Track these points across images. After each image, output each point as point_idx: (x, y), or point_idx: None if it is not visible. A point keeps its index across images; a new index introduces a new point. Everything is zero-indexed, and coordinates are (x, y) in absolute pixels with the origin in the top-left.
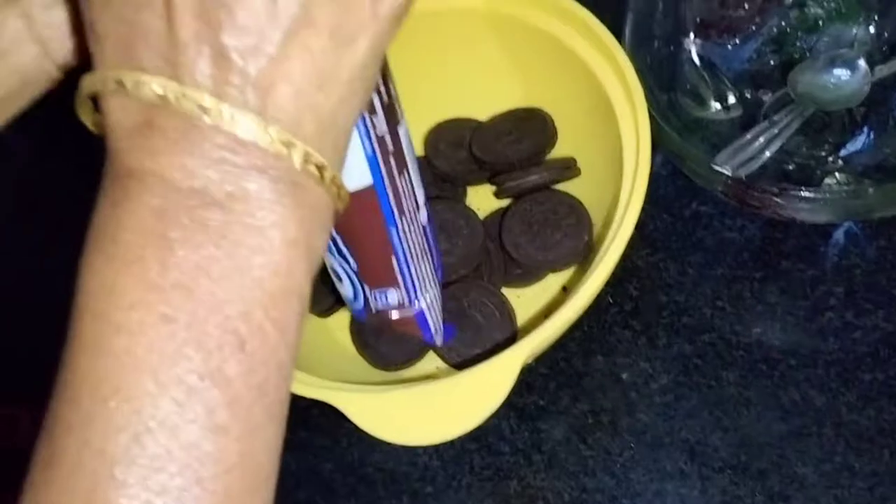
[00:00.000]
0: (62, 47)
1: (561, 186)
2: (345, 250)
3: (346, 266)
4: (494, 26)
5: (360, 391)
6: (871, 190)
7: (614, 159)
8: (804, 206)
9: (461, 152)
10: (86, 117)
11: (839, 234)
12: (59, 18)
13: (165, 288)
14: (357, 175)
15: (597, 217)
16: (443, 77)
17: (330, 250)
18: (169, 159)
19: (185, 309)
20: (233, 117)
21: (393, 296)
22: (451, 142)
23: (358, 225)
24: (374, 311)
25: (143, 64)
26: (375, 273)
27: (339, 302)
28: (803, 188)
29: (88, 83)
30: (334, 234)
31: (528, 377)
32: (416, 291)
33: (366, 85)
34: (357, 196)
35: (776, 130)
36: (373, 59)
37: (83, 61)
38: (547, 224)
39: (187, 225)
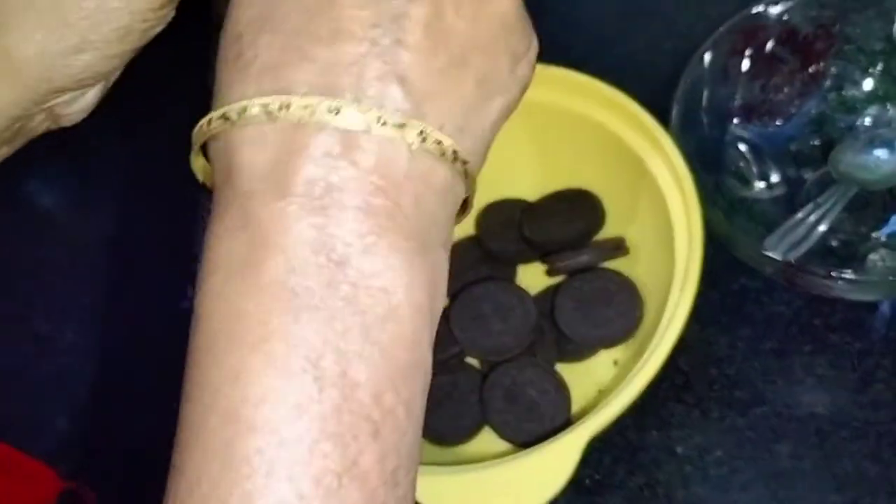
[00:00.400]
0: None
1: (610, 264)
2: None
3: None
4: (544, 112)
5: (429, 473)
6: None
7: (663, 239)
8: (851, 286)
9: (512, 232)
10: (197, 165)
11: (885, 308)
12: None
13: (296, 372)
14: None
15: (647, 293)
16: (494, 159)
17: None
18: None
19: (317, 397)
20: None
21: None
22: (502, 222)
23: None
24: None
25: (295, 87)
26: None
27: None
28: (850, 271)
29: (209, 126)
30: None
31: (584, 451)
32: None
33: (487, 148)
34: None
35: (821, 212)
36: (501, 120)
37: None
38: (598, 302)
39: (317, 291)
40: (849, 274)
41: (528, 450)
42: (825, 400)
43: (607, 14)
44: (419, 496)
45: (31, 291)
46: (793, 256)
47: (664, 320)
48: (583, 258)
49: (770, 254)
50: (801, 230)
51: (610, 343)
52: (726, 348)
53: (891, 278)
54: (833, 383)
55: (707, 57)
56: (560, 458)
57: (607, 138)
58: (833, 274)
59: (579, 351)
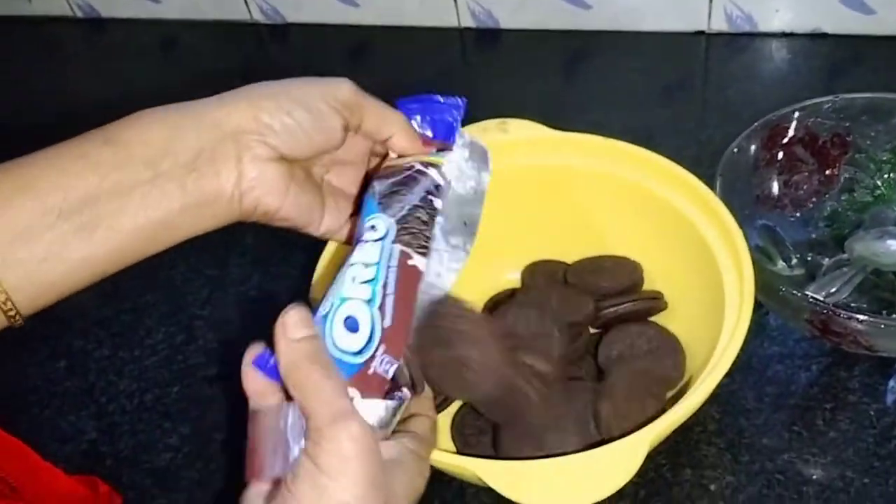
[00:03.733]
0: (254, 200)
1: (655, 320)
2: (390, 306)
3: (378, 318)
4: (583, 178)
5: (505, 463)
6: None
7: (709, 295)
8: (883, 335)
9: (556, 286)
10: None
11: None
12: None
13: None
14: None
15: (685, 346)
16: (535, 223)
17: (371, 300)
18: None
19: None
20: None
21: (393, 369)
22: (546, 276)
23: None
24: (369, 372)
25: None
26: (398, 341)
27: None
28: (886, 314)
29: None
30: (392, 287)
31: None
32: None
33: None
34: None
35: (845, 279)
36: None
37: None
38: (641, 353)
39: None
40: (886, 318)
41: (601, 447)
42: (848, 451)
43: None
44: (497, 486)
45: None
46: (832, 301)
47: (710, 364)
48: (625, 306)
49: (813, 295)
50: (837, 284)
51: (650, 397)
52: (754, 402)
53: None
54: (854, 437)
55: (740, 148)
56: (628, 455)
57: (649, 201)
58: (869, 318)
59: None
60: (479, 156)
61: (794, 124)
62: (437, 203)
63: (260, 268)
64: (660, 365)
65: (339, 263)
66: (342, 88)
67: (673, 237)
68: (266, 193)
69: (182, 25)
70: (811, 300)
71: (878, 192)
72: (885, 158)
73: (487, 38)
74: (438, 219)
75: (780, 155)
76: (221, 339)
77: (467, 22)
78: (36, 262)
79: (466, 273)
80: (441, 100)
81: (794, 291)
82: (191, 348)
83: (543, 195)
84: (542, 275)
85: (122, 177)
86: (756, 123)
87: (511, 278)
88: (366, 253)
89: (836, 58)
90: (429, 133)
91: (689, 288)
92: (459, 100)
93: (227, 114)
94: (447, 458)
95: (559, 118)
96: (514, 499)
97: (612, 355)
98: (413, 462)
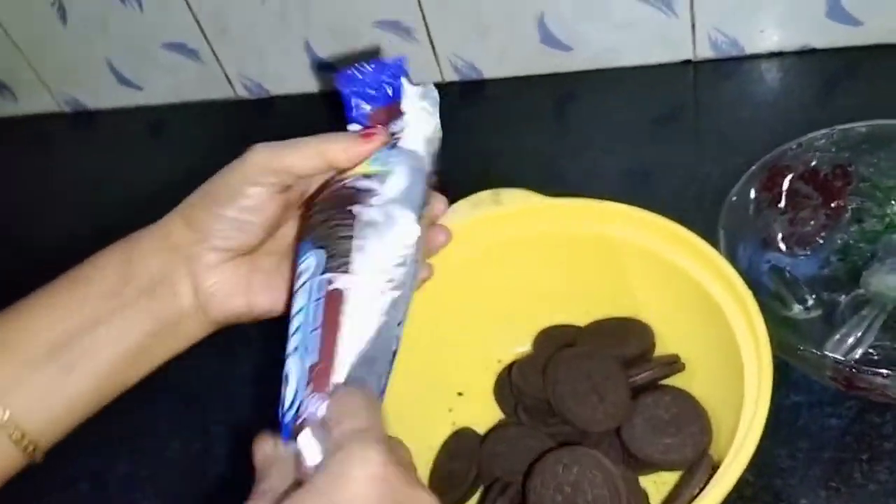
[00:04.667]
0: (218, 308)
1: (668, 380)
2: (317, 338)
3: (305, 360)
4: (590, 243)
5: None
6: None
7: (725, 356)
8: None
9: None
10: None
11: None
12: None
13: None
14: None
15: (708, 408)
16: (545, 289)
17: (297, 349)
18: None
19: None
20: None
21: (322, 409)
22: (558, 342)
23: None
24: (299, 419)
25: None
26: (325, 375)
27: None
28: None
29: None
30: (318, 320)
31: None
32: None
33: None
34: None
35: (866, 323)
36: None
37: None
38: (667, 425)
39: None
40: None
41: None
42: (889, 502)
43: (642, 133)
44: None
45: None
46: (852, 358)
47: (736, 441)
48: (645, 374)
49: (831, 354)
50: (855, 336)
51: (676, 468)
52: (787, 459)
53: None
54: (895, 487)
55: (740, 194)
56: None
57: (657, 264)
58: (893, 371)
59: (643, 467)
60: (431, 99)
61: (792, 162)
62: (356, 209)
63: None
64: (686, 433)
65: None
66: (254, 157)
67: (681, 298)
68: (228, 297)
69: (168, 109)
70: (832, 359)
71: (888, 219)
72: (891, 185)
73: (472, 90)
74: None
75: (782, 194)
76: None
77: (450, 76)
78: (38, 401)
79: (476, 346)
80: (384, 62)
81: (814, 350)
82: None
83: (545, 263)
84: (553, 342)
85: (90, 312)
86: (753, 167)
87: (520, 351)
88: (296, 300)
89: (829, 73)
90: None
91: (703, 349)
92: (399, 59)
93: (167, 233)
94: None
95: (552, 168)
96: None
97: (635, 434)
98: None
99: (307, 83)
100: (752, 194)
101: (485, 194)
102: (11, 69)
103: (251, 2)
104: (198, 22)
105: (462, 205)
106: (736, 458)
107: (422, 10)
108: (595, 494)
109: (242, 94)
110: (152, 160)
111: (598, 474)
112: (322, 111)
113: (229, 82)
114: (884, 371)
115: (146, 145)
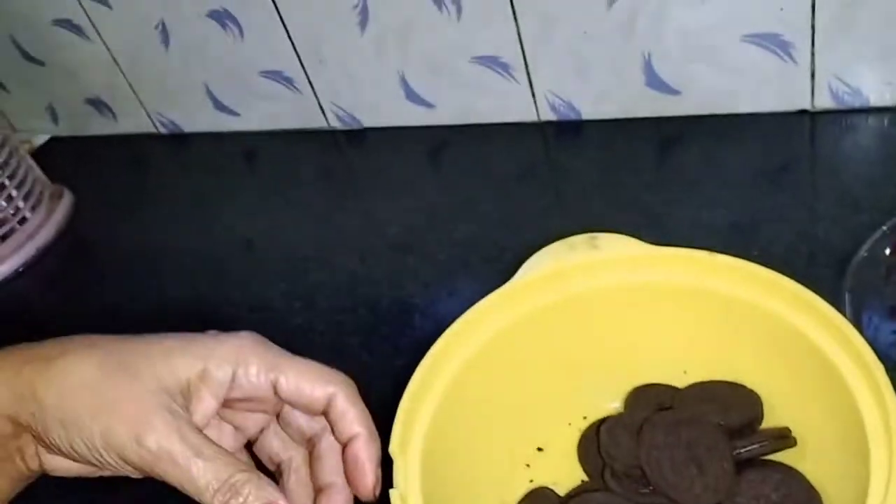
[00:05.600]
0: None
1: (775, 456)
2: None
3: None
4: (697, 298)
5: None
6: None
7: (846, 433)
8: None
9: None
10: None
11: None
12: None
13: None
14: None
15: (819, 488)
16: (642, 344)
17: None
18: None
19: None
20: None
21: None
22: (653, 403)
23: None
24: None
25: None
26: None
27: None
28: None
29: None
30: None
31: None
32: None
33: None
34: None
35: None
36: None
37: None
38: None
39: None
40: None
41: None
42: None
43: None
44: None
45: None
46: None
47: None
48: (753, 447)
49: None
50: None
51: None
52: None
53: None
54: None
55: (869, 255)
56: None
57: (769, 325)
58: None
59: None
60: None
61: None
62: None
63: None
64: None
65: None
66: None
67: (796, 364)
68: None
69: (262, 136)
70: None
71: None
72: None
73: (569, 130)
74: None
75: None
76: None
77: (547, 115)
78: None
79: (561, 398)
80: None
81: None
82: None
83: (642, 315)
84: (646, 402)
85: None
86: (884, 227)
87: (609, 408)
88: None
89: None
90: None
91: (819, 423)
92: None
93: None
94: None
95: (654, 217)
96: None
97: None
98: None
99: (400, 116)
100: (882, 256)
101: (581, 238)
102: (112, 89)
103: (350, 32)
104: (296, 50)
105: (557, 247)
106: None
107: (521, 47)
108: None
109: (335, 124)
110: (243, 183)
111: None
112: (412, 146)
113: (322, 112)
114: None
115: (238, 169)
